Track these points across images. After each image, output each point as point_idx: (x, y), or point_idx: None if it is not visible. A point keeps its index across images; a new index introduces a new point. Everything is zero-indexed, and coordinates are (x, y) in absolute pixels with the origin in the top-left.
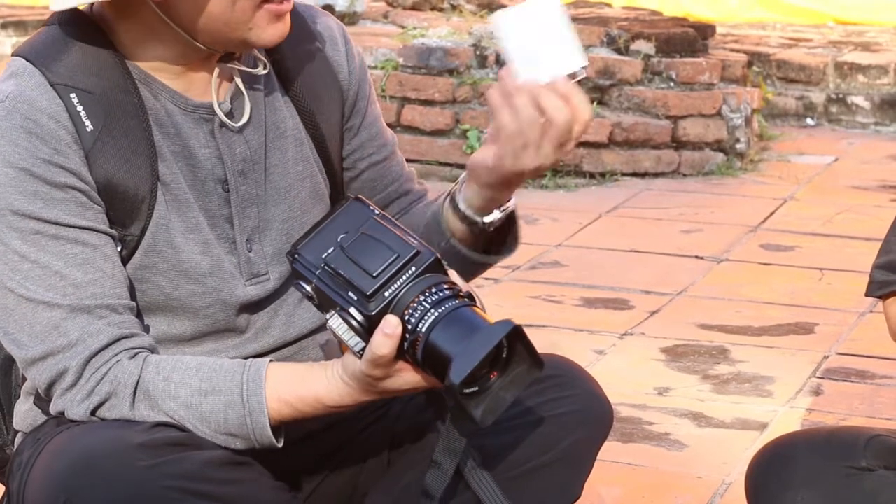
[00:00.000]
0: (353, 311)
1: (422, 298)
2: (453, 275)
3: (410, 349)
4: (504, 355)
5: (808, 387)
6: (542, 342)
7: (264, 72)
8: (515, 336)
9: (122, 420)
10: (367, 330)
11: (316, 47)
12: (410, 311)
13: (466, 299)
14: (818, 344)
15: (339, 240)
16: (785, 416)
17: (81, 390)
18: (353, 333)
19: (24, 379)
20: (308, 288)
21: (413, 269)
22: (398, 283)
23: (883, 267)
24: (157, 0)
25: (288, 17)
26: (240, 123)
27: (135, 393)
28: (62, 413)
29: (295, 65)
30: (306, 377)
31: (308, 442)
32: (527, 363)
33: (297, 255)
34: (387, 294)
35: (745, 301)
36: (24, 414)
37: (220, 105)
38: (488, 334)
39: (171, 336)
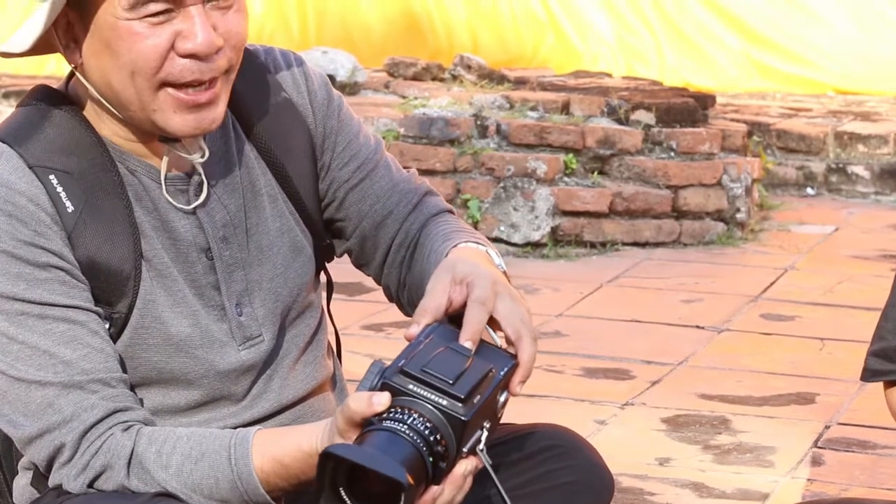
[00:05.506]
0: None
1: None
2: None
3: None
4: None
5: (810, 457)
6: (542, 412)
7: (201, 160)
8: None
9: (121, 491)
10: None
11: (281, 96)
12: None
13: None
14: (819, 414)
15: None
16: (786, 486)
17: (76, 465)
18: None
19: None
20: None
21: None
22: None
23: (877, 355)
24: (75, 64)
25: (207, 112)
26: (192, 206)
27: (129, 465)
28: (60, 486)
29: (259, 119)
30: (293, 431)
31: None
32: None
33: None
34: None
35: (746, 371)
36: (23, 489)
37: (168, 174)
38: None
39: (167, 406)
